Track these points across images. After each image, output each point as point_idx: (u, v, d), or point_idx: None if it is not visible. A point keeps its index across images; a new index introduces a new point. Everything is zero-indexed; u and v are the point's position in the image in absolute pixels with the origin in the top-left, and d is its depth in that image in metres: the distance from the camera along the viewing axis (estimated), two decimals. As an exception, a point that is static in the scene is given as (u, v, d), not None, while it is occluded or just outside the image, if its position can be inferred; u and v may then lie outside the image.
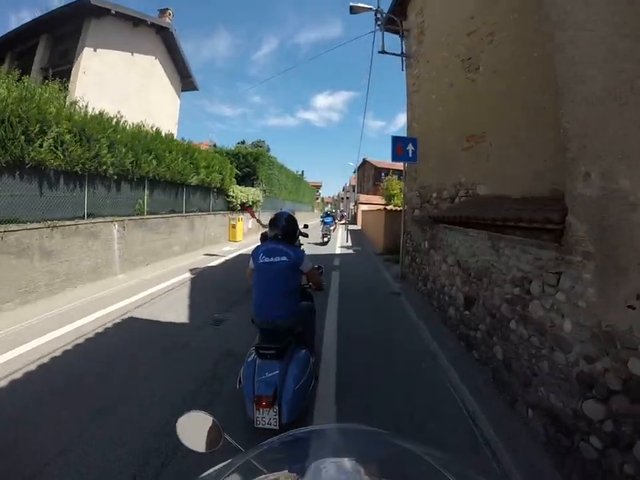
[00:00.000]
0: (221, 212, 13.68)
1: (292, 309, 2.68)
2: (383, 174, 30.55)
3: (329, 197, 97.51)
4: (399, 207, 13.60)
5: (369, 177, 36.73)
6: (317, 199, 79.01)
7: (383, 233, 12.97)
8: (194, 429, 1.05)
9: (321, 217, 18.02)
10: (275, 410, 2.34)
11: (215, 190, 13.00)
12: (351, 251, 13.96)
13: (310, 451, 1.02)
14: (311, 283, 3.08)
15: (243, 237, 14.58)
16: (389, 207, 16.35)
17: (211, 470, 0.93)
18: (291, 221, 2.89)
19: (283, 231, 2.82)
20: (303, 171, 41.73)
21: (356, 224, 28.79)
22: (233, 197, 14.36)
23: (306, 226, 6.08)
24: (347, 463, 0.81)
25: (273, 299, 2.62)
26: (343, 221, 26.64)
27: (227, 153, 16.98)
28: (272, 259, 2.65)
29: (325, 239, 15.43)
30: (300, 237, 4.07)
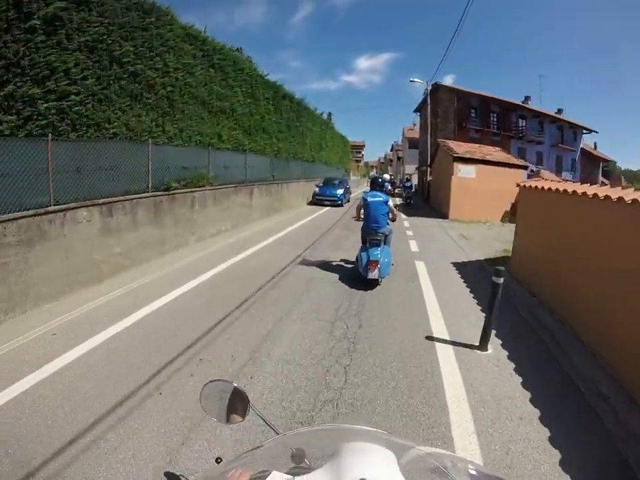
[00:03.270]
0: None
1: (384, 224, 5.40)
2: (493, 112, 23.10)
3: (375, 161, 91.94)
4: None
5: (448, 114, 23.46)
6: (359, 161, 74.56)
7: None
8: (219, 399, 1.03)
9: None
10: (378, 269, 5.06)
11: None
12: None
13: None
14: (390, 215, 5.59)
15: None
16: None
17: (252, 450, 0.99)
18: (382, 181, 5.79)
19: (379, 184, 5.66)
20: (330, 114, 28.96)
21: (427, 201, 21.03)
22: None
23: None
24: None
25: (376, 217, 5.36)
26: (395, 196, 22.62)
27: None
28: (375, 198, 5.37)
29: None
30: None
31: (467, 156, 14.33)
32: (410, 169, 38.74)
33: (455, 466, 0.81)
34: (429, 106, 22.93)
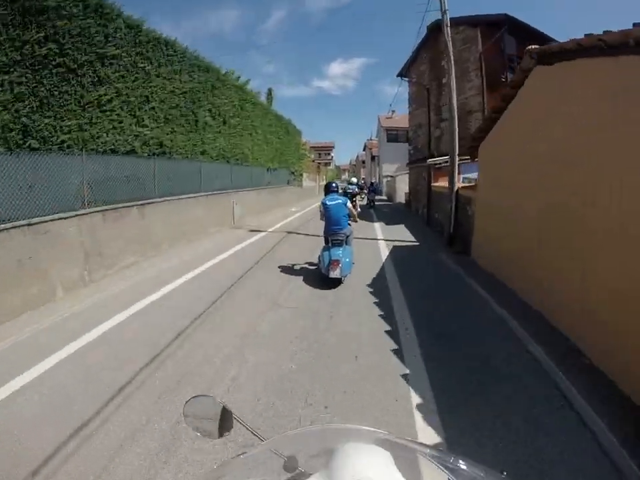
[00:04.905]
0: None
1: (345, 225, 5.60)
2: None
3: (347, 164, 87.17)
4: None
5: (467, 64, 12.71)
6: (328, 164, 69.05)
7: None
8: (202, 414, 1.00)
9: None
10: (339, 268, 5.16)
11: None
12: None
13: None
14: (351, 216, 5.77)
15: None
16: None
17: (233, 458, 1.01)
18: (335, 186, 5.95)
19: (332, 189, 5.77)
20: (270, 91, 22.47)
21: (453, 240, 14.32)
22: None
23: None
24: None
25: (337, 219, 5.56)
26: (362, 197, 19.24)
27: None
28: (334, 202, 5.57)
29: None
30: None
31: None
32: (389, 169, 29.05)
33: (451, 463, 0.80)
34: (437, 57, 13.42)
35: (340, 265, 5.12)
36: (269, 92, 22.39)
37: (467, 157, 8.65)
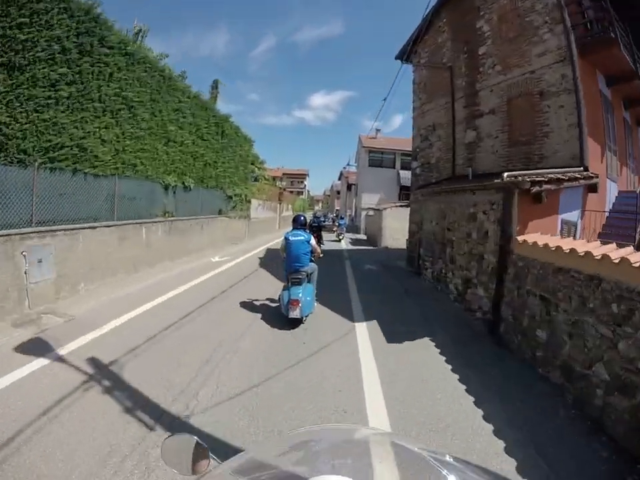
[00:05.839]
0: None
1: (306, 262, 5.29)
2: None
3: (320, 195, 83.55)
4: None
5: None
6: (301, 193, 65.97)
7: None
8: (180, 452, 1.02)
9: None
10: (299, 308, 4.81)
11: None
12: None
13: (312, 454, 0.99)
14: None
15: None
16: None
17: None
18: (304, 220, 5.69)
19: (300, 223, 5.51)
20: (216, 82, 18.18)
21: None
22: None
23: None
24: None
25: (298, 257, 5.22)
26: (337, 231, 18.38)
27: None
28: (296, 237, 5.28)
29: None
30: None
31: None
32: (370, 200, 23.20)
33: (455, 468, 0.81)
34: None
35: (300, 305, 4.85)
36: (215, 84, 16.30)
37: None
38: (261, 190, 19.00)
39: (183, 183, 9.15)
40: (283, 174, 68.88)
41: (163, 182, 8.19)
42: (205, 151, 10.47)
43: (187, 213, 9.48)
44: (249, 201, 15.33)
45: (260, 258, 10.72)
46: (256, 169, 19.25)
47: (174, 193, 8.75)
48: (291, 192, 54.66)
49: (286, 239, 5.32)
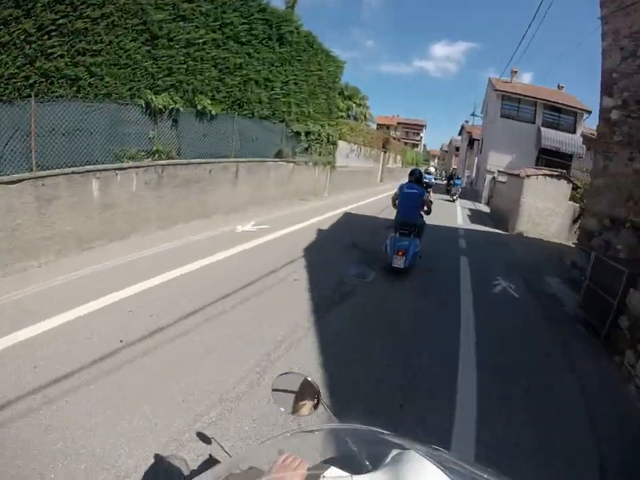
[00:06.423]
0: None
1: (417, 216, 5.49)
2: None
3: (437, 149, 75.56)
4: None
5: None
6: (416, 145, 61.84)
7: None
8: (290, 391, 1.02)
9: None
10: (403, 258, 5.04)
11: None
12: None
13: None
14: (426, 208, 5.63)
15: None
16: None
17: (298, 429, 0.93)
18: (420, 174, 5.82)
19: (417, 176, 5.66)
20: None
21: None
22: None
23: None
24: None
25: (409, 209, 5.41)
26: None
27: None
28: (410, 190, 5.43)
29: None
30: None
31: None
32: (498, 160, 17.30)
33: (456, 468, 0.74)
34: None
35: (405, 256, 5.06)
36: None
37: None
38: (355, 131, 14.97)
39: (195, 107, 5.97)
40: (398, 123, 62.49)
41: (144, 102, 5.11)
42: (244, 60, 7.00)
43: (203, 153, 6.40)
44: (334, 143, 11.57)
45: (320, 230, 7.27)
46: (354, 105, 15.18)
47: (174, 121, 5.66)
48: (406, 143, 48.89)
49: (400, 189, 5.58)
